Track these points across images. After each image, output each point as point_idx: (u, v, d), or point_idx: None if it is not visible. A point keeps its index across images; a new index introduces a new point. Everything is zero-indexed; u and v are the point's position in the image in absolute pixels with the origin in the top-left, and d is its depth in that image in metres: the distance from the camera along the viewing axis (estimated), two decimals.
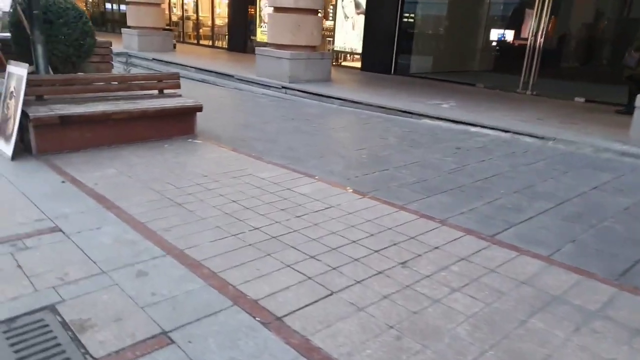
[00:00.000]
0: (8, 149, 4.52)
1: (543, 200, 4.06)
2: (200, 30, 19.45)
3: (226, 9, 17.73)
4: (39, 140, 4.68)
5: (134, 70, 9.50)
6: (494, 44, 15.04)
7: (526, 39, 10.89)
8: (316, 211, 3.59)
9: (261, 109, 8.07)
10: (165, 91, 5.91)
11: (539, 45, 10.49)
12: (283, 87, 9.85)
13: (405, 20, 12.78)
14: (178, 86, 5.96)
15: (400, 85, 10.76)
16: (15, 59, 5.06)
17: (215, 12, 18.56)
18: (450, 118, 7.45)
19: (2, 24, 5.96)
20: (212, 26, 18.69)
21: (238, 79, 10.85)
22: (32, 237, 2.99)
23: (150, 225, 3.23)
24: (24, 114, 4.53)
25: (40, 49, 5.08)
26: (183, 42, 19.54)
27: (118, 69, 7.93)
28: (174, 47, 16.10)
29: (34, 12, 4.86)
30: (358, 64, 13.82)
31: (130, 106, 5.22)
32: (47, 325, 2.17)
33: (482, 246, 3.10)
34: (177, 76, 5.98)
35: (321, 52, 10.78)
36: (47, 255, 2.78)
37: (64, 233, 3.06)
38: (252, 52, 16.82)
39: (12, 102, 4.65)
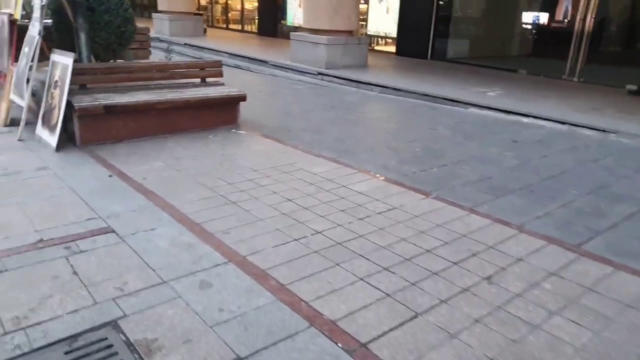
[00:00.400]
0: (53, 139, 4.36)
1: (623, 203, 3.70)
2: (229, 14, 19.14)
3: None
4: (83, 130, 4.51)
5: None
6: (534, 27, 14.34)
7: (570, 22, 10.29)
8: (379, 213, 3.32)
9: (300, 97, 7.79)
10: (208, 79, 5.68)
11: (588, 28, 9.89)
12: (319, 74, 9.53)
13: (442, 2, 12.23)
14: (221, 74, 5.72)
15: (439, 71, 10.31)
16: (56, 47, 4.88)
17: None
18: (500, 107, 7.04)
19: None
20: (242, 10, 18.36)
21: (272, 65, 10.56)
22: (86, 238, 2.81)
23: (207, 227, 3.01)
24: (68, 104, 4.35)
25: (83, 37, 4.88)
26: (212, 26, 19.28)
27: (155, 55, 7.74)
28: (205, 31, 15.86)
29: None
30: (392, 49, 13.36)
31: (173, 95, 5.00)
32: (111, 346, 1.97)
33: (570, 258, 2.79)
34: (219, 64, 5.73)
35: (358, 36, 10.38)
36: (103, 260, 2.59)
37: (117, 235, 2.87)
38: (283, 36, 16.53)
39: (56, 92, 4.47)
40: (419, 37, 12.34)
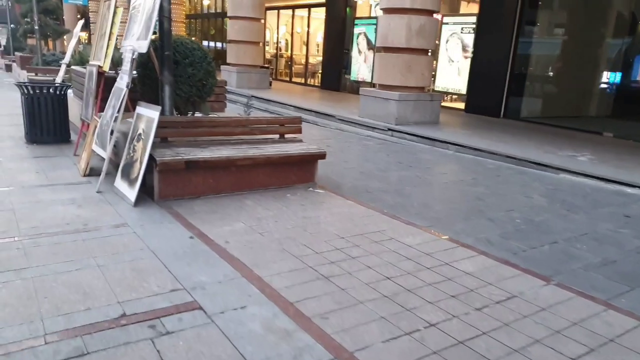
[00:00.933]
0: (131, 193, 4.23)
1: None
2: (293, 68, 19.61)
3: (319, 47, 17.74)
4: (162, 185, 4.36)
5: (235, 109, 9.38)
6: (614, 86, 13.66)
7: None
8: (498, 302, 2.86)
9: (371, 153, 7.50)
10: (286, 135, 5.51)
11: None
12: (389, 129, 9.28)
13: (518, 60, 11.88)
14: (299, 130, 5.54)
15: (515, 130, 9.83)
16: (139, 99, 4.87)
17: (310, 50, 18.64)
18: (597, 174, 6.45)
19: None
20: (306, 64, 18.76)
21: (340, 119, 10.45)
22: (171, 315, 2.51)
23: (303, 308, 2.65)
24: (150, 158, 4.23)
25: (167, 90, 4.84)
26: (276, 79, 19.77)
27: (229, 108, 7.77)
28: (270, 84, 16.21)
29: (166, 53, 4.64)
30: (460, 105, 13.05)
31: (254, 152, 4.82)
32: None
33: None
34: (299, 120, 5.56)
35: (431, 93, 10.14)
36: (192, 346, 2.26)
37: (205, 312, 2.56)
38: (347, 90, 16.66)
39: (139, 145, 4.39)
40: (490, 94, 11.96)
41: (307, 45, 18.66)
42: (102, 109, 5.50)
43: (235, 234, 3.69)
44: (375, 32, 15.44)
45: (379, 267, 3.26)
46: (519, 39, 11.66)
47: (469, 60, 12.54)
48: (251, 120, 5.24)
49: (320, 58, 17.70)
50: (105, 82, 5.56)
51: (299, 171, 5.17)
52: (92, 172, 5.06)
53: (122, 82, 4.68)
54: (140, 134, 4.43)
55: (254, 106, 12.21)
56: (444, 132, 8.95)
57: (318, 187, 5.19)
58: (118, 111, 4.57)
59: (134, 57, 4.57)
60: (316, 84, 18.11)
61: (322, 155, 5.23)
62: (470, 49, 12.50)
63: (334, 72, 16.79)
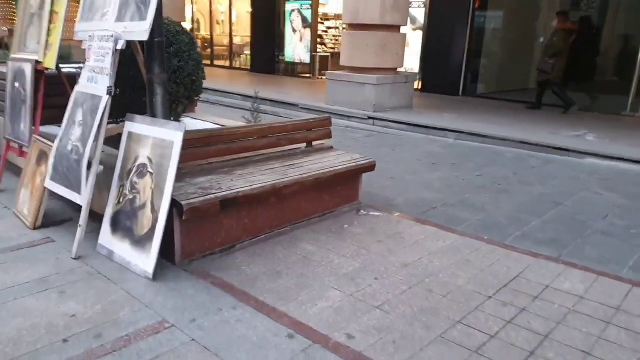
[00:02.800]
0: (145, 260, 2.75)
1: None
2: (214, 49, 17.71)
3: (244, 26, 16.10)
4: (186, 238, 2.93)
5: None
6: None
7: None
8: None
9: (374, 149, 6.39)
10: (314, 143, 4.23)
11: None
12: (369, 117, 8.22)
13: (475, 35, 11.36)
14: (329, 135, 4.28)
15: (489, 109, 9.29)
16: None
17: (233, 29, 16.86)
18: (625, 156, 5.96)
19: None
20: (230, 44, 16.96)
21: (304, 108, 9.17)
22: None
23: None
24: (178, 206, 2.77)
25: (160, 93, 3.29)
26: None
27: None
28: None
29: (156, 39, 3.09)
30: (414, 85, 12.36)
31: (295, 172, 3.51)
32: None
33: None
34: (328, 121, 4.29)
35: (404, 73, 9.20)
36: None
37: None
38: (281, 73, 15.24)
39: (144, 182, 2.88)
40: (448, 72, 11.34)
41: (230, 23, 16.84)
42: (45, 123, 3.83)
43: (342, 314, 2.43)
44: (311, 7, 14.21)
45: (599, 349, 2.22)
46: (475, 12, 11.11)
47: (418, 36, 11.82)
48: (275, 127, 3.86)
49: (248, 38, 16.04)
50: (46, 85, 3.83)
51: (342, 189, 3.94)
52: (46, 221, 3.42)
53: (98, 87, 3.08)
54: (143, 165, 2.91)
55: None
56: (428, 117, 8.08)
57: (367, 207, 4.01)
58: (98, 133, 2.99)
59: (118, 47, 3.00)
60: (244, 67, 16.45)
61: (371, 166, 4.04)
62: (420, 23, 11.77)
63: (266, 53, 15.27)
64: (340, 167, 3.76)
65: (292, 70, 15.12)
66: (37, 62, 3.73)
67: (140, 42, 3.30)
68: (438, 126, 7.49)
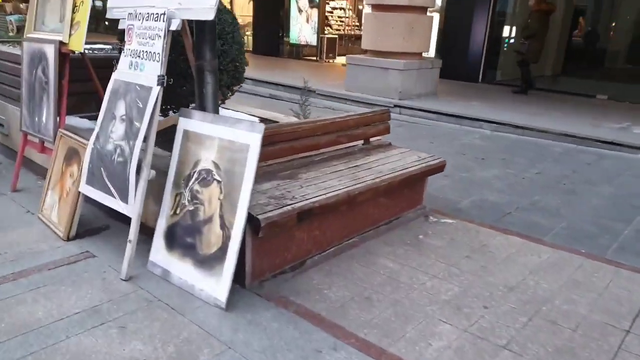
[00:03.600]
0: (215, 286, 2.33)
1: None
2: None
3: (245, 6, 15.44)
4: (257, 257, 2.51)
5: None
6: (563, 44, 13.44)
7: None
8: None
9: (411, 142, 5.92)
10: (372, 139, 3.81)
11: None
12: (396, 106, 7.79)
13: (496, 21, 10.92)
14: (388, 130, 3.86)
15: (515, 98, 8.91)
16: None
17: (233, 8, 16.18)
18: None
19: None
20: None
21: (321, 95, 8.69)
22: None
23: None
24: (254, 222, 2.33)
25: (211, 81, 2.84)
26: None
27: None
28: None
29: (208, 19, 2.62)
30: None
31: (365, 175, 3.09)
32: None
33: None
34: (387, 116, 3.86)
35: (430, 59, 8.75)
36: None
37: None
38: (287, 56, 14.65)
39: (208, 192, 2.44)
40: (469, 58, 10.90)
41: (231, 3, 16.16)
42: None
43: (467, 357, 2.04)
44: None
45: None
46: None
47: (436, 20, 11.33)
48: (338, 122, 3.42)
49: (249, 18, 15.40)
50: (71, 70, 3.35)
51: (408, 193, 3.54)
52: (79, 230, 2.98)
53: (144, 75, 2.61)
54: (208, 172, 2.46)
55: None
56: (458, 106, 7.68)
57: (434, 212, 3.61)
58: (148, 129, 2.54)
59: (172, 27, 2.53)
60: (246, 49, 15.80)
61: (442, 167, 3.63)
62: (438, 6, 11.29)
63: (270, 35, 14.68)
64: (412, 168, 3.35)
65: (298, 53, 14.58)
66: (61, 43, 3.23)
67: (189, 22, 2.84)
68: (471, 116, 7.10)
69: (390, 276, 2.68)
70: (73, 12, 3.19)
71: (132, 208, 2.58)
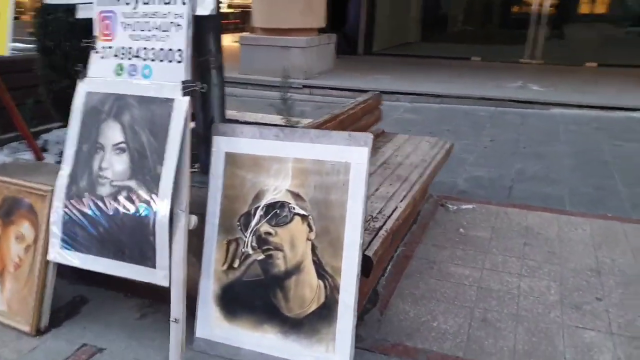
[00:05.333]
0: (329, 356, 1.78)
1: None
2: None
3: None
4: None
5: None
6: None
7: None
8: None
9: None
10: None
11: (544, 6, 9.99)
12: (305, 87, 7.40)
13: None
14: (381, 117, 3.51)
15: (402, 67, 9.21)
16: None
17: None
18: (588, 104, 6.29)
19: None
20: None
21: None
22: None
23: None
24: (365, 261, 1.82)
25: (217, 82, 2.18)
26: None
27: None
28: None
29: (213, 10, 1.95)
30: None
31: (414, 175, 2.73)
32: None
33: None
34: (380, 101, 3.49)
35: (327, 34, 8.46)
36: None
37: None
38: None
39: (289, 232, 1.85)
40: (348, 32, 10.91)
41: None
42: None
43: None
44: None
45: None
46: None
47: None
48: (352, 115, 2.94)
49: None
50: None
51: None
52: (55, 322, 2.14)
53: (153, 84, 1.88)
54: (282, 206, 1.86)
55: None
56: (368, 81, 7.61)
57: (444, 198, 3.40)
58: (180, 160, 1.83)
59: (199, 12, 1.83)
60: None
61: (451, 150, 3.41)
62: None
63: None
64: (438, 157, 3.06)
65: None
66: None
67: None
68: (388, 90, 7.03)
69: (479, 286, 2.38)
70: None
71: (165, 273, 1.86)
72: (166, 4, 1.86)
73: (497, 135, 5.18)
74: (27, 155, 2.91)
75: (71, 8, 2.55)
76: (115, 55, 1.98)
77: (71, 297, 2.30)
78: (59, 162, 2.97)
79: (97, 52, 2.02)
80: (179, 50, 1.85)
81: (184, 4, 1.82)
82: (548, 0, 10.06)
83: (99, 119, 1.98)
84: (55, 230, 2.02)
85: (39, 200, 2.09)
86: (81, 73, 2.05)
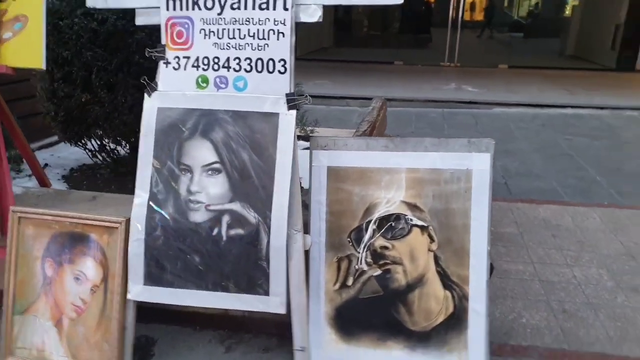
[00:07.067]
0: None
1: None
2: None
3: None
4: None
5: None
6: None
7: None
8: None
9: None
10: None
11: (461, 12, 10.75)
12: None
13: None
14: (385, 121, 3.55)
15: (335, 71, 9.40)
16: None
17: None
18: (528, 102, 6.90)
19: None
20: None
21: None
22: None
23: None
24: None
25: None
26: None
27: None
28: None
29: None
30: None
31: None
32: None
33: None
34: (386, 106, 3.53)
35: None
36: None
37: None
38: None
39: (407, 245, 1.81)
40: None
41: None
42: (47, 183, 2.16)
43: None
44: None
45: None
46: None
47: None
48: (381, 120, 2.94)
49: None
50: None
51: None
52: None
53: (248, 97, 1.76)
54: (398, 218, 1.81)
55: None
56: (316, 87, 7.65)
57: None
58: (292, 178, 1.73)
59: (307, 19, 1.74)
60: None
61: None
62: None
63: None
64: None
65: None
66: None
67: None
68: (337, 95, 7.16)
69: (540, 279, 2.50)
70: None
71: (281, 299, 1.74)
72: (262, 9, 1.74)
73: (460, 135, 5.44)
74: (27, 181, 2.55)
75: (92, 13, 2.32)
76: (195, 66, 1.81)
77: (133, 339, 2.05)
78: (73, 188, 2.66)
79: (168, 63, 1.84)
80: (282, 60, 1.75)
81: (285, 9, 1.72)
82: (461, 7, 10.84)
83: (180, 138, 1.81)
84: (136, 265, 1.80)
85: (105, 233, 1.84)
86: (148, 87, 1.85)
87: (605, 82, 8.47)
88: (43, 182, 2.45)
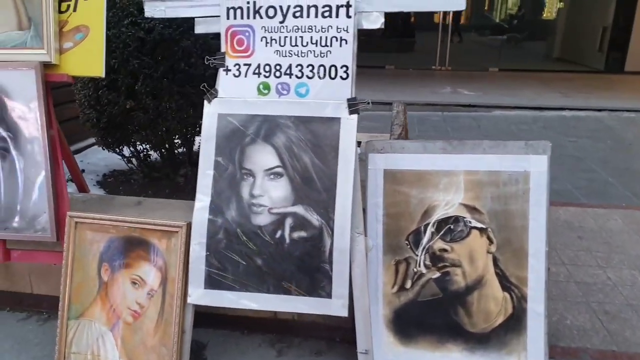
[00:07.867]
0: None
1: None
2: None
3: None
4: None
5: None
6: None
7: None
8: None
9: None
10: None
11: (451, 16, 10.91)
12: None
13: None
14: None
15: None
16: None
17: None
18: (529, 105, 6.99)
19: None
20: None
21: None
22: None
23: None
24: None
25: None
26: None
27: None
28: None
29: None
30: None
31: None
32: None
33: None
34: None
35: None
36: None
37: None
38: None
39: (466, 247, 1.84)
40: None
41: None
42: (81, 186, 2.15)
43: None
44: None
45: None
46: None
47: None
48: (405, 124, 2.97)
49: None
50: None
51: None
52: None
53: (310, 103, 1.78)
54: (457, 220, 1.84)
55: None
56: None
57: None
58: (354, 182, 1.75)
59: (365, 26, 1.77)
60: None
61: None
62: None
63: None
64: None
65: None
66: (45, 66, 1.89)
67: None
68: None
69: (575, 281, 2.55)
70: (62, 10, 1.88)
71: (343, 302, 1.76)
72: (325, 17, 1.76)
73: (465, 137, 5.53)
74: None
75: (139, 22, 2.32)
76: (256, 73, 1.82)
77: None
78: (110, 194, 2.64)
79: (228, 70, 1.84)
80: (344, 66, 1.77)
81: (348, 17, 1.74)
82: (452, 12, 10.98)
83: (242, 143, 1.82)
84: (197, 269, 1.80)
85: (164, 237, 1.84)
86: (208, 93, 1.85)
87: (596, 84, 8.62)
88: (82, 188, 2.43)
